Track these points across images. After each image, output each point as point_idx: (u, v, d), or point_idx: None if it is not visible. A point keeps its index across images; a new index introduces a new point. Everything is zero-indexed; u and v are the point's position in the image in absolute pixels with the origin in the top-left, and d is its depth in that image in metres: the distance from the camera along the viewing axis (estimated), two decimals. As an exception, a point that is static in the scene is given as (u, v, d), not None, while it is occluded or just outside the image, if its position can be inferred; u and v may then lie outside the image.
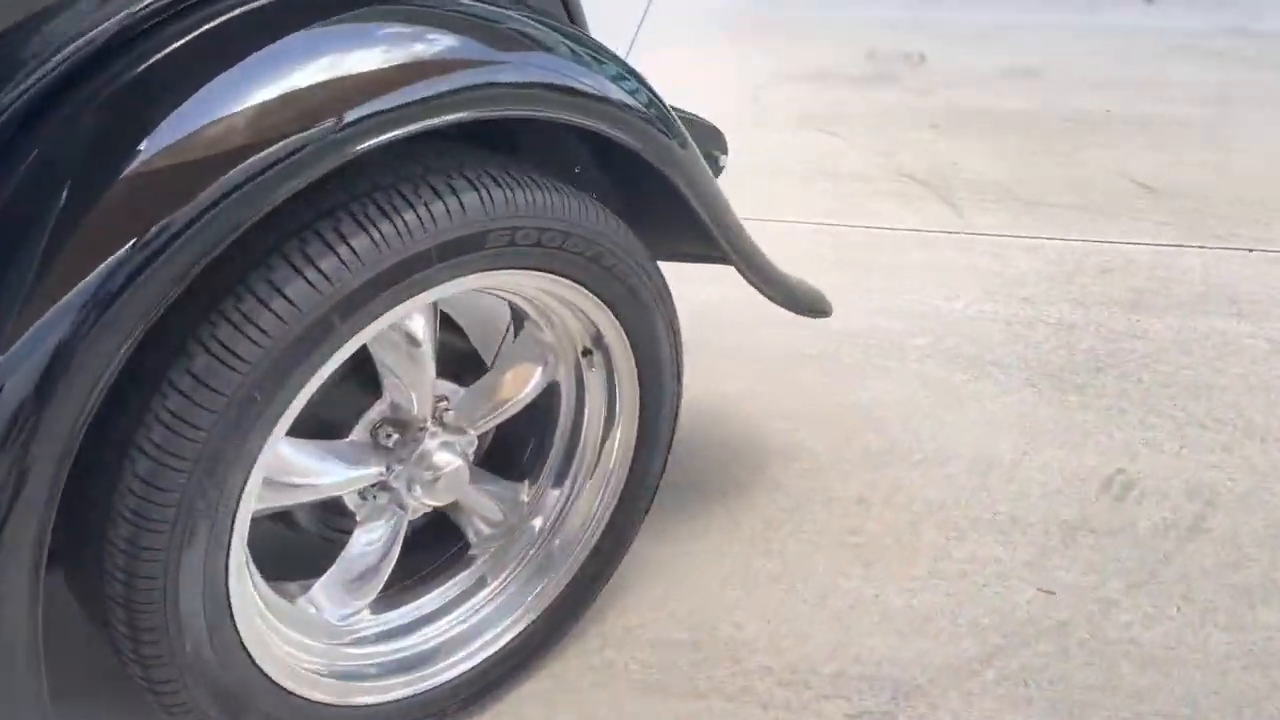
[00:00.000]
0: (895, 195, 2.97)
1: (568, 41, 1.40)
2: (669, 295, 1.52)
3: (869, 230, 2.81)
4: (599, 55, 1.44)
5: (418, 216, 1.18)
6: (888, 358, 2.33)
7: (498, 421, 1.52)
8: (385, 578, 1.46)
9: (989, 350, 2.35)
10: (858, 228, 2.82)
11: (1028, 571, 1.82)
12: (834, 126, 3.36)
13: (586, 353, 1.52)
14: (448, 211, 1.20)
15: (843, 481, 2.01)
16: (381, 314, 1.19)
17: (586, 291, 1.40)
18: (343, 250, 1.13)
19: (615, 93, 1.40)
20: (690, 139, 1.53)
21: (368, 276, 1.15)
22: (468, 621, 1.54)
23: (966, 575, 1.82)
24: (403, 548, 1.55)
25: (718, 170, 2.03)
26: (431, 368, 1.37)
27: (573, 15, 1.63)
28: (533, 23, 1.37)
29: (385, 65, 1.19)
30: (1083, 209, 2.91)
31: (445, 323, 1.53)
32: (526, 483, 1.62)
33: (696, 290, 2.50)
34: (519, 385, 1.51)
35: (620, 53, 4.36)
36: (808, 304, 1.77)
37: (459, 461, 1.42)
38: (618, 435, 1.58)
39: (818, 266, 2.62)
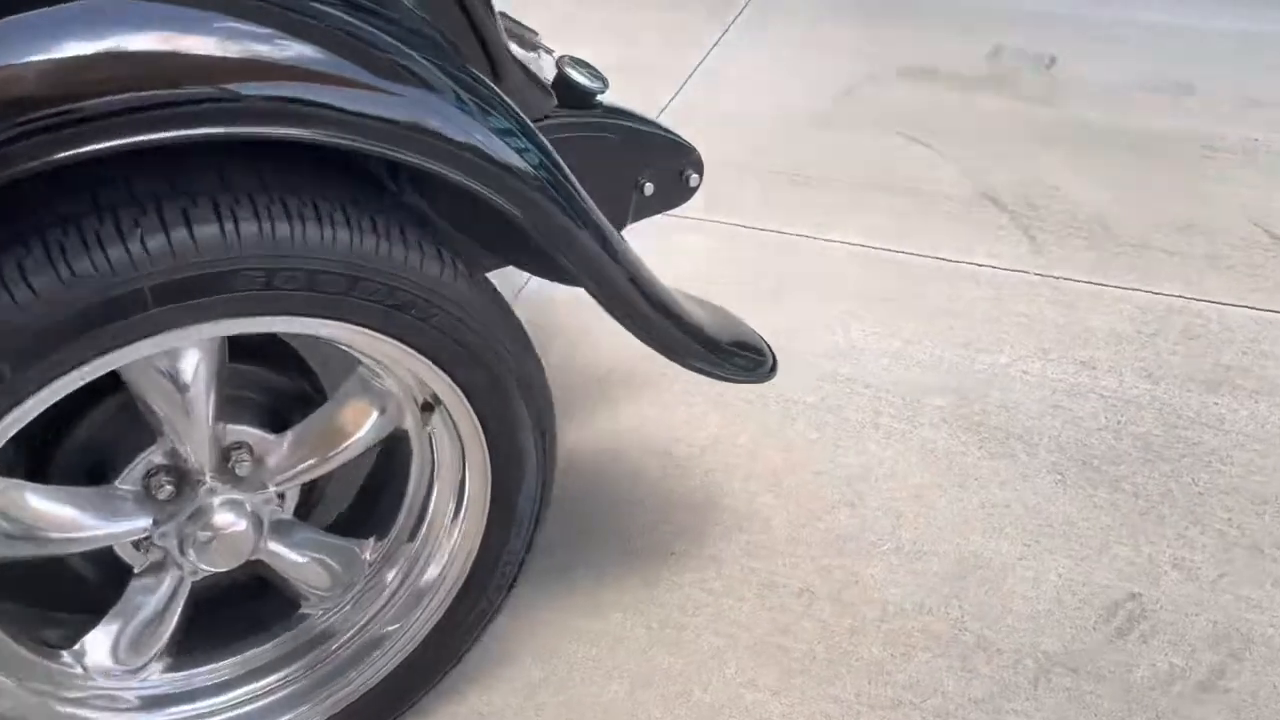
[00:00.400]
0: (970, 220, 2.60)
1: (459, 88, 1.17)
2: (529, 357, 1.28)
3: (925, 259, 2.46)
4: (491, 108, 1.20)
5: (127, 251, 0.98)
6: (898, 417, 2.02)
7: (318, 474, 1.32)
8: (165, 637, 1.29)
9: (1019, 421, 2.00)
10: (913, 255, 2.48)
11: (976, 712, 1.51)
12: (925, 134, 2.99)
13: (427, 407, 1.30)
14: (170, 247, 0.99)
15: (791, 565, 1.73)
16: (80, 364, 1.00)
17: (400, 344, 1.18)
18: (18, 289, 0.95)
19: (500, 151, 1.16)
20: (590, 212, 1.27)
21: (48, 322, 0.96)
22: (274, 694, 1.36)
23: (899, 706, 1.52)
24: (229, 596, 1.39)
25: (689, 191, 1.77)
26: (205, 413, 1.18)
27: (497, 68, 1.40)
28: (426, 61, 1.15)
29: (188, 53, 1.00)
30: (1190, 257, 2.47)
31: (284, 356, 1.34)
32: (373, 539, 1.42)
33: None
34: (344, 436, 1.30)
35: (716, 31, 4.01)
36: (728, 369, 1.48)
37: (243, 524, 1.23)
38: (465, 509, 1.36)
39: (848, 296, 2.32)
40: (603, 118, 1.62)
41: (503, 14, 2.19)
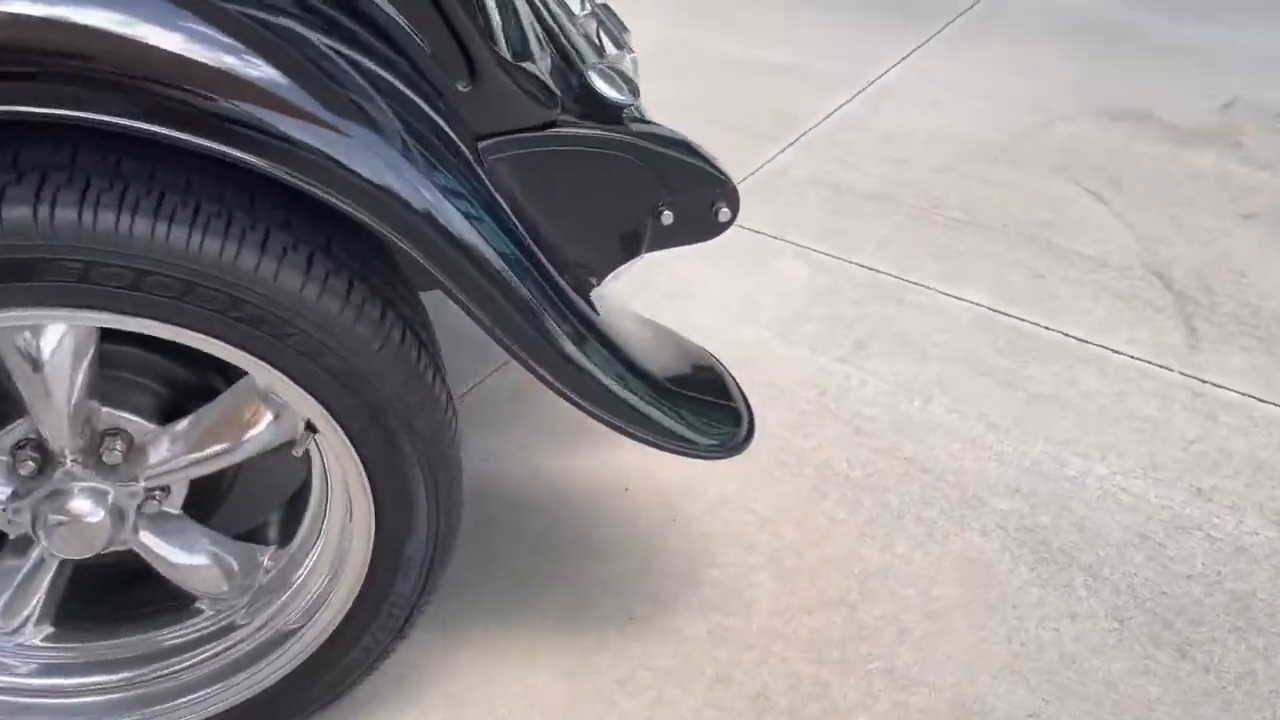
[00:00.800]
0: (1123, 296, 2.26)
1: (408, 135, 1.08)
2: (416, 394, 1.14)
3: (1050, 334, 2.15)
4: (440, 162, 1.09)
5: (-77, 224, 0.91)
6: (947, 514, 1.75)
7: (199, 473, 1.24)
8: (33, 605, 1.26)
9: (1093, 547, 1.70)
10: (1039, 326, 2.17)
11: None
12: (1107, 186, 2.63)
13: (311, 428, 1.19)
14: (-32, 226, 0.92)
15: (758, 661, 1.52)
16: None
17: (256, 360, 1.07)
18: None
19: (440, 209, 1.08)
20: (517, 277, 1.14)
21: None
22: (120, 693, 1.30)
23: None
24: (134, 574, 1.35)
25: (719, 226, 1.57)
26: (65, 394, 1.11)
27: (476, 72, 1.27)
28: (387, 106, 1.07)
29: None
30: (1386, 384, 2.05)
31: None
32: (274, 547, 1.34)
33: (764, 348, 2.05)
34: (229, 437, 1.21)
35: (910, 44, 3.71)
36: (675, 444, 1.29)
37: (99, 515, 1.17)
38: (350, 543, 1.24)
39: (944, 362, 2.05)
40: (621, 134, 1.45)
41: (604, 5, 2.05)
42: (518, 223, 1.22)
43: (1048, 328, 2.16)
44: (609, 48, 1.90)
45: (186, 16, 0.97)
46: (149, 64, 0.95)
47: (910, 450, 1.87)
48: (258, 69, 0.99)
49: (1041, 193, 2.60)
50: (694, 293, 2.23)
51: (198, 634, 1.34)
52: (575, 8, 2.11)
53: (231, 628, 1.36)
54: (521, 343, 1.16)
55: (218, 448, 1.21)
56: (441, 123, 1.17)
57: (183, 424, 1.21)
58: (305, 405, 1.13)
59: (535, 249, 1.22)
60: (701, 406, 1.37)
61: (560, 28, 1.82)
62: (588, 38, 1.91)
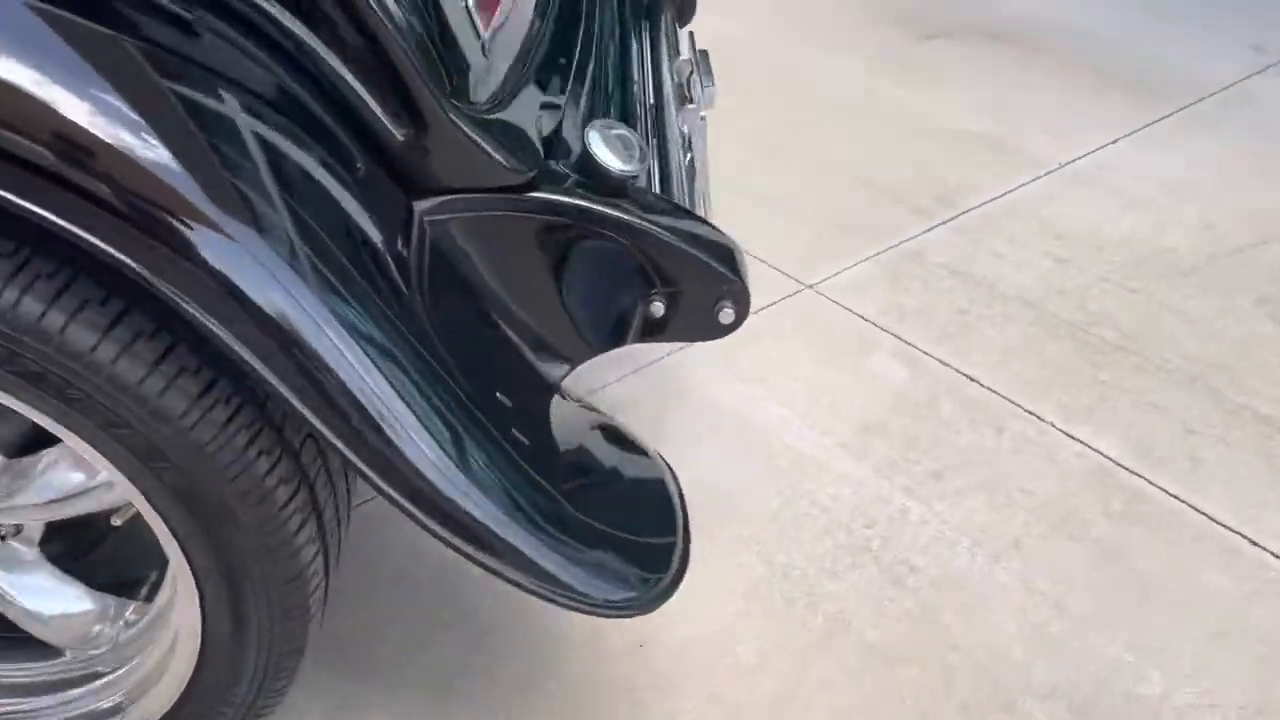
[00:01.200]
0: (1291, 473, 1.84)
1: (301, 238, 0.93)
2: (238, 486, 0.98)
3: (1178, 506, 1.76)
4: (334, 273, 0.94)
5: None
6: (966, 711, 1.44)
7: (39, 518, 1.13)
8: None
9: (1140, 798, 1.35)
10: (1165, 494, 1.78)
11: None
12: (1315, 331, 2.17)
13: (143, 494, 1.06)
14: None
15: None
16: None
17: (46, 418, 0.95)
18: None
19: (331, 350, 0.91)
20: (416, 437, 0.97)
21: None
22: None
23: None
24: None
25: (720, 328, 1.33)
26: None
27: (425, 129, 1.09)
28: (282, 198, 0.93)
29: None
30: None
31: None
32: (140, 601, 1.23)
33: (821, 459, 1.78)
34: (70, 483, 1.09)
35: (1126, 127, 3.25)
36: (572, 596, 1.07)
37: (-83, 545, 1.08)
38: (185, 623, 1.11)
39: (1032, 518, 1.71)
40: (612, 209, 1.23)
41: (703, 52, 1.86)
42: (430, 338, 1.03)
43: (1178, 497, 1.78)
44: (695, 97, 1.71)
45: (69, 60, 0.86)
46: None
47: (950, 619, 1.56)
48: (133, 134, 0.86)
49: (1229, 326, 2.17)
50: (768, 378, 1.98)
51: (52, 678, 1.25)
52: (684, 50, 1.92)
53: (95, 675, 1.25)
54: (388, 480, 0.97)
55: (55, 495, 1.10)
56: (354, 213, 1.01)
57: (27, 462, 1.10)
58: (111, 473, 0.99)
59: (445, 372, 1.03)
60: (626, 548, 1.14)
61: (648, 74, 1.65)
62: (680, 84, 1.71)
